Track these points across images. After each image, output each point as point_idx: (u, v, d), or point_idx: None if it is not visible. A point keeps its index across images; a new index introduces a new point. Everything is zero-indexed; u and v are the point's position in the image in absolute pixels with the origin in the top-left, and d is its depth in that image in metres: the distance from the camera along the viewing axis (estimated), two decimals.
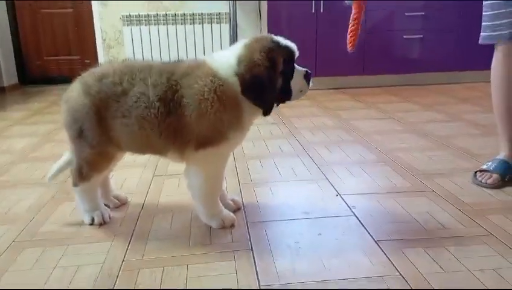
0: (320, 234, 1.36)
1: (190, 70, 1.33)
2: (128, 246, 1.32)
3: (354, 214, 1.49)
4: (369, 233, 1.35)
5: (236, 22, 3.26)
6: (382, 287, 1.08)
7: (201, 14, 4.34)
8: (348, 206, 1.55)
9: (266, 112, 1.34)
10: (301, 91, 1.39)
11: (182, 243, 1.33)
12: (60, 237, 1.40)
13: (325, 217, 1.47)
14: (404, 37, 4.02)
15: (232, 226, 1.42)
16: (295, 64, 1.37)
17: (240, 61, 1.30)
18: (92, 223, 1.46)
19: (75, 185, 1.45)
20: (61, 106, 1.42)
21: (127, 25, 4.25)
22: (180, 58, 1.45)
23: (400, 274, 1.13)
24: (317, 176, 1.88)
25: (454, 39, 4.05)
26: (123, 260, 1.24)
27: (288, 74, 1.34)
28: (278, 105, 1.39)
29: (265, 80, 1.29)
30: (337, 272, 1.14)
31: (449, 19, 4.01)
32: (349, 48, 1.64)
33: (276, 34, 1.38)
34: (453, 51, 4.07)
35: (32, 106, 3.65)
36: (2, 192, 1.79)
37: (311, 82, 1.40)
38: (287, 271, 1.16)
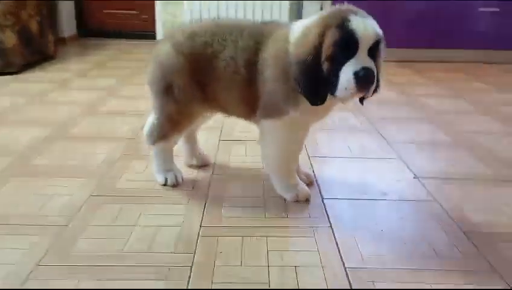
0: (402, 218, 1.30)
1: (272, 32, 1.25)
2: (204, 211, 1.31)
3: (437, 201, 1.41)
4: (455, 222, 1.28)
5: None
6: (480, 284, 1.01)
7: None
8: (428, 191, 1.47)
9: (312, 103, 1.16)
10: (346, 89, 1.09)
11: (257, 213, 1.30)
12: (136, 194, 1.40)
13: (404, 201, 1.40)
14: (480, 9, 3.73)
15: (307, 201, 1.38)
16: (359, 54, 1.07)
17: (296, 38, 1.16)
18: (165, 184, 1.46)
19: (153, 143, 1.44)
20: (151, 61, 1.39)
21: None
22: (265, 20, 1.37)
23: (497, 271, 1.06)
24: (389, 154, 1.79)
25: None
26: (201, 225, 1.23)
27: (337, 61, 1.09)
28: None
29: (308, 68, 1.11)
30: (425, 262, 1.09)
31: None
32: None
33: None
34: None
35: (91, 59, 3.69)
36: (75, 144, 1.82)
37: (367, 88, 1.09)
38: (372, 256, 1.11)
